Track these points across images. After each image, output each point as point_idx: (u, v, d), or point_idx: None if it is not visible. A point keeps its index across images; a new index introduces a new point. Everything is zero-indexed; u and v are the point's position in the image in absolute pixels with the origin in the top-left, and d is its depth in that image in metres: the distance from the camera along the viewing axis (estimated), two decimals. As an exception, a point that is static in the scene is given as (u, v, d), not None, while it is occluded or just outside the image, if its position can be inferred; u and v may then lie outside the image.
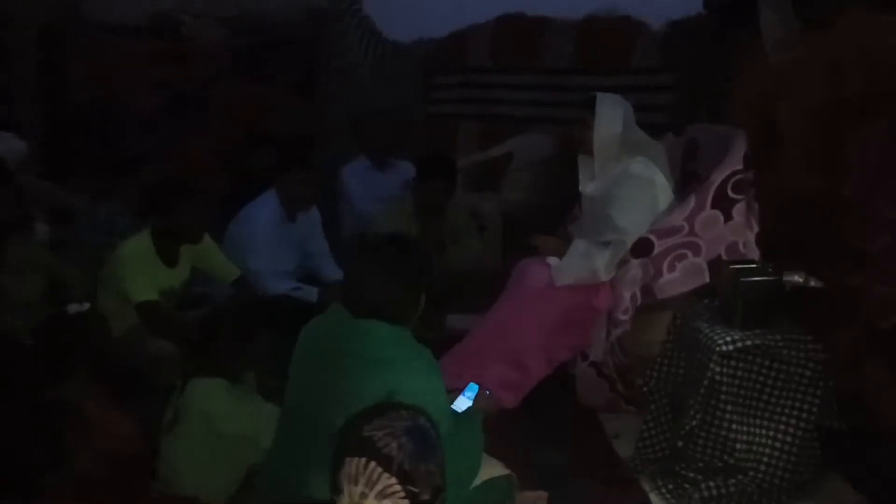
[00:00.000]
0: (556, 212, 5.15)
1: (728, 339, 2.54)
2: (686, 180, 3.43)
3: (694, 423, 2.58)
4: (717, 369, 2.53)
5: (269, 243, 4.01)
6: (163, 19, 6.30)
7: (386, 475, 1.26)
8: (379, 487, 1.25)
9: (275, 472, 2.21)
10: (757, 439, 2.59)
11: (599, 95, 3.23)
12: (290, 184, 4.05)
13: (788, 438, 2.58)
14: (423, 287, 2.23)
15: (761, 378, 2.58)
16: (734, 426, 2.57)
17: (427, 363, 2.16)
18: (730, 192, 3.04)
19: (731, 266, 2.72)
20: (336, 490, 1.30)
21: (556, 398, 3.27)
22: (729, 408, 2.56)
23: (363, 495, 1.25)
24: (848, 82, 3.04)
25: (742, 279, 2.63)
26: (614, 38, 5.11)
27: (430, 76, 6.20)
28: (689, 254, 3.04)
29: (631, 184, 3.12)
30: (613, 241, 3.09)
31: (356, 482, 1.26)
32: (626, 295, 3.04)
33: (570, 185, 5.19)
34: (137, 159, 4.50)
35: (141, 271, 3.42)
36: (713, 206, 3.04)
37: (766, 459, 2.59)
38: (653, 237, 3.03)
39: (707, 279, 3.07)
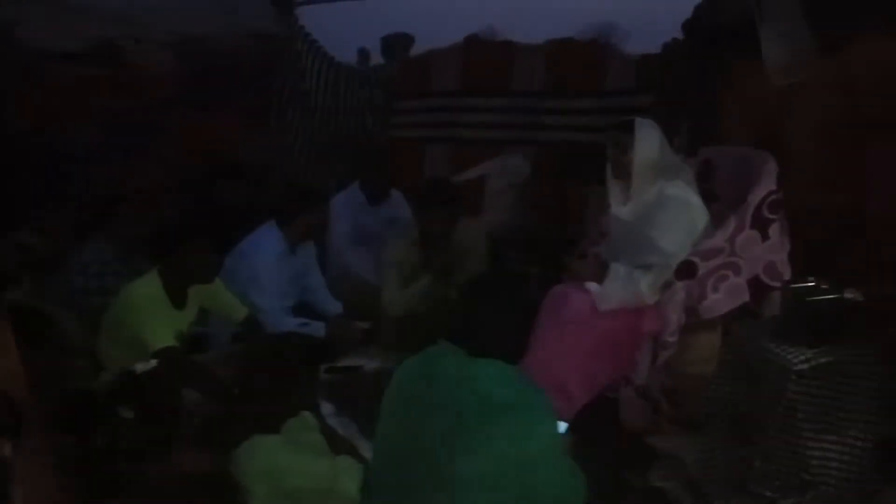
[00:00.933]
0: (540, 234, 5.22)
1: (802, 357, 2.60)
2: (703, 201, 3.51)
3: (772, 442, 2.61)
4: (795, 388, 2.58)
5: (273, 278, 3.85)
6: (104, 45, 5.98)
7: None
8: None
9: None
10: (829, 454, 2.64)
11: (637, 120, 3.27)
12: (296, 217, 3.91)
13: (857, 451, 2.65)
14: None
15: (831, 394, 2.63)
16: (810, 443, 2.62)
17: (547, 402, 2.11)
18: (766, 213, 3.13)
19: (794, 286, 2.79)
20: None
21: (598, 423, 3.26)
22: (805, 425, 2.61)
23: None
24: (867, 102, 3.19)
25: (808, 298, 2.70)
26: (586, 60, 5.19)
27: (391, 101, 6.14)
28: (731, 274, 3.10)
29: (670, 206, 3.16)
30: (656, 263, 3.11)
31: None
32: (674, 317, 3.07)
33: (550, 207, 5.28)
34: (114, 196, 4.22)
35: (155, 315, 3.22)
36: (752, 227, 3.12)
37: (835, 473, 2.65)
38: (697, 259, 3.08)
39: (747, 298, 3.14)
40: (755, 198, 3.11)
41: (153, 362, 2.35)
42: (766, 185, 3.13)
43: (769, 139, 3.59)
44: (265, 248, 3.86)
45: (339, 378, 3.68)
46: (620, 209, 3.34)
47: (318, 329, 3.89)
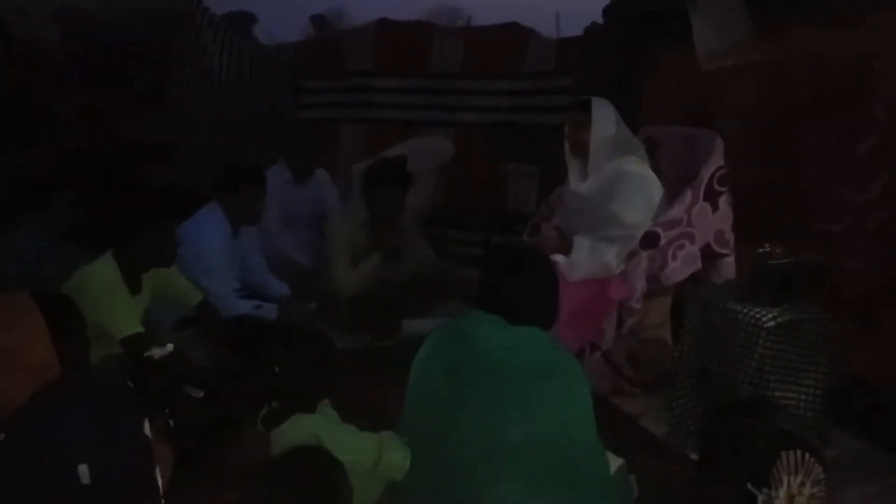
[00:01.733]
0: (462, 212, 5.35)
1: (770, 316, 2.86)
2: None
3: (745, 394, 2.86)
4: (764, 344, 2.84)
5: (222, 262, 3.76)
6: (-10, 19, 5.52)
7: (818, 464, 1.36)
8: (814, 476, 1.35)
9: (438, 489, 2.14)
10: (789, 403, 2.93)
11: (594, 99, 3.42)
12: (238, 198, 3.81)
13: (811, 399, 2.96)
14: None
15: (791, 348, 2.92)
16: (776, 393, 2.89)
17: (580, 367, 2.22)
18: (716, 186, 3.39)
19: (758, 252, 3.04)
20: (770, 483, 1.37)
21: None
22: (771, 377, 2.88)
23: (802, 484, 1.34)
24: (798, 85, 3.50)
25: (770, 262, 2.96)
26: (504, 43, 5.34)
27: (300, 80, 6.05)
28: (687, 243, 3.34)
29: (629, 181, 3.34)
30: (620, 235, 3.30)
31: (796, 473, 1.34)
32: (638, 285, 3.27)
33: (470, 186, 5.40)
34: (46, 178, 3.96)
35: (117, 301, 3.07)
36: (704, 199, 3.37)
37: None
38: (659, 230, 3.29)
39: (700, 265, 3.39)
40: (707, 172, 3.36)
41: (169, 347, 2.26)
42: (716, 160, 3.38)
43: (698, 119, 3.86)
44: (211, 230, 3.75)
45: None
46: (579, 185, 3.50)
47: (270, 311, 3.82)
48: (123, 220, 3.22)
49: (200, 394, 1.89)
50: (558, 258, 3.37)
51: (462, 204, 5.30)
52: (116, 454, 1.49)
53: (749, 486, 1.40)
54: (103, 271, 3.12)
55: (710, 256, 3.41)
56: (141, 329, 3.06)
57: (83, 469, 1.45)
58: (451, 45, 5.49)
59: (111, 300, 3.05)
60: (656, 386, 3.44)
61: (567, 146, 3.54)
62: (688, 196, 3.34)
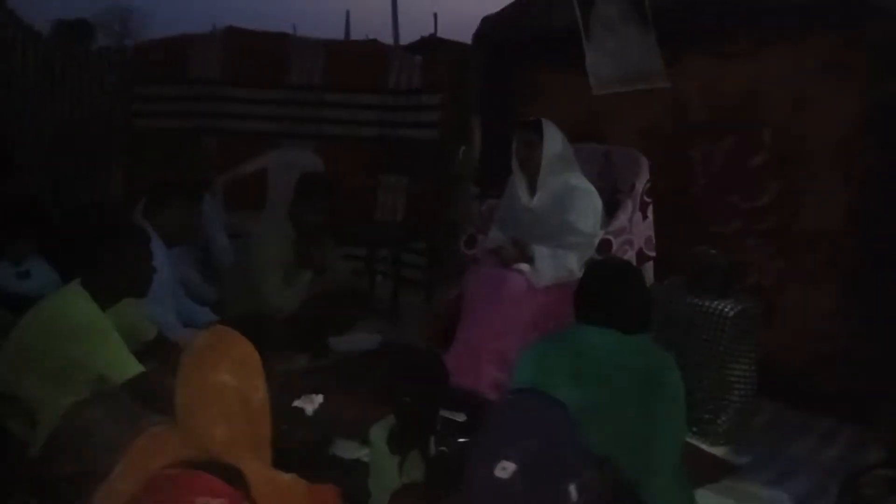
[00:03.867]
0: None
1: (730, 307, 3.37)
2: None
3: (712, 376, 3.35)
4: (729, 331, 3.34)
5: (166, 287, 3.48)
6: None
7: None
8: None
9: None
10: (738, 380, 3.46)
11: (544, 121, 3.71)
12: (171, 216, 3.55)
13: (750, 376, 3.52)
14: None
15: (740, 334, 3.46)
16: (734, 374, 3.41)
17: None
18: (645, 198, 3.86)
19: (701, 249, 3.54)
20: None
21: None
22: (727, 359, 3.40)
23: None
24: (696, 110, 4.11)
25: (716, 260, 3.48)
26: (367, 57, 5.45)
27: (132, 86, 5.61)
28: (629, 248, 3.77)
29: (580, 194, 3.69)
30: (579, 243, 3.63)
31: None
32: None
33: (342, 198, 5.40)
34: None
35: (111, 338, 2.76)
36: (639, 209, 3.82)
37: (740, 393, 3.48)
38: (611, 237, 3.68)
39: (636, 268, 3.84)
40: (640, 185, 3.82)
41: (319, 398, 2.14)
42: (645, 174, 3.85)
43: (589, 139, 4.30)
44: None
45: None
46: (530, 200, 3.77)
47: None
48: (93, 245, 2.89)
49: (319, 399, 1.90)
50: (523, 267, 3.62)
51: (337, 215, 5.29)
52: None
53: None
54: (81, 303, 2.77)
55: (641, 260, 3.87)
56: (143, 369, 2.77)
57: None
58: (311, 58, 5.45)
59: (101, 337, 2.73)
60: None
61: (515, 163, 3.79)
62: (629, 206, 3.77)
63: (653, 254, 3.92)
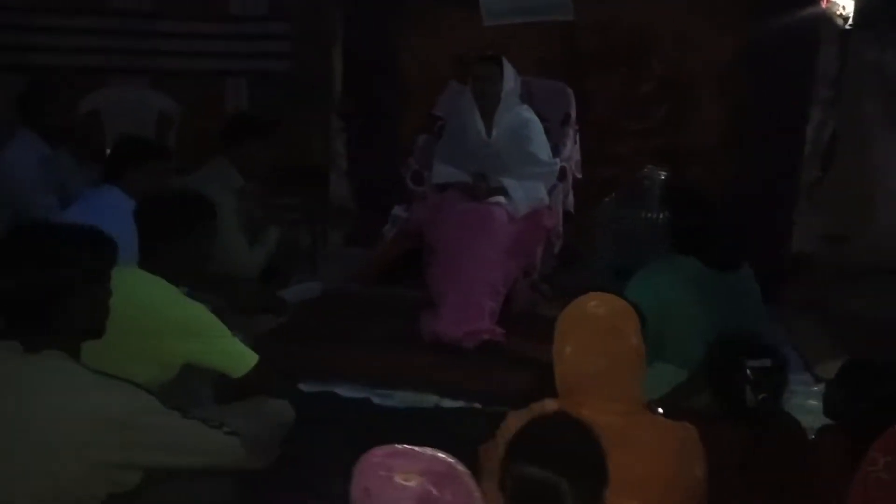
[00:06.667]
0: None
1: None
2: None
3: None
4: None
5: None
6: None
7: None
8: None
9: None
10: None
11: (503, 57, 3.81)
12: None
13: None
14: None
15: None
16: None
17: None
18: (573, 125, 4.20)
19: (647, 169, 4.03)
20: None
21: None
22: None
23: None
24: (587, 43, 4.52)
25: (658, 176, 4.01)
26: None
27: None
28: (570, 173, 4.11)
29: (533, 126, 3.90)
30: (543, 172, 3.88)
31: None
32: (560, 212, 3.95)
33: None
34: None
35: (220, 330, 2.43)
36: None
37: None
38: (565, 164, 3.99)
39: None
40: (571, 115, 4.15)
41: None
42: (573, 104, 4.18)
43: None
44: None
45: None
46: (487, 135, 3.88)
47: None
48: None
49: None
50: (501, 199, 3.78)
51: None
52: None
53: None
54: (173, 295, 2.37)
55: (574, 180, 4.23)
56: (257, 357, 2.46)
57: None
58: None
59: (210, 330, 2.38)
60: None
61: (469, 97, 3.85)
62: (571, 134, 4.09)
63: (580, 175, 4.29)
